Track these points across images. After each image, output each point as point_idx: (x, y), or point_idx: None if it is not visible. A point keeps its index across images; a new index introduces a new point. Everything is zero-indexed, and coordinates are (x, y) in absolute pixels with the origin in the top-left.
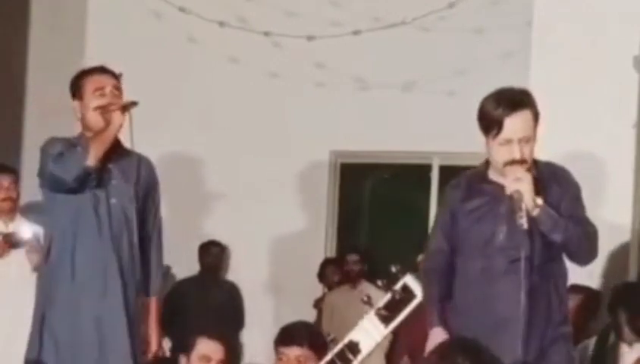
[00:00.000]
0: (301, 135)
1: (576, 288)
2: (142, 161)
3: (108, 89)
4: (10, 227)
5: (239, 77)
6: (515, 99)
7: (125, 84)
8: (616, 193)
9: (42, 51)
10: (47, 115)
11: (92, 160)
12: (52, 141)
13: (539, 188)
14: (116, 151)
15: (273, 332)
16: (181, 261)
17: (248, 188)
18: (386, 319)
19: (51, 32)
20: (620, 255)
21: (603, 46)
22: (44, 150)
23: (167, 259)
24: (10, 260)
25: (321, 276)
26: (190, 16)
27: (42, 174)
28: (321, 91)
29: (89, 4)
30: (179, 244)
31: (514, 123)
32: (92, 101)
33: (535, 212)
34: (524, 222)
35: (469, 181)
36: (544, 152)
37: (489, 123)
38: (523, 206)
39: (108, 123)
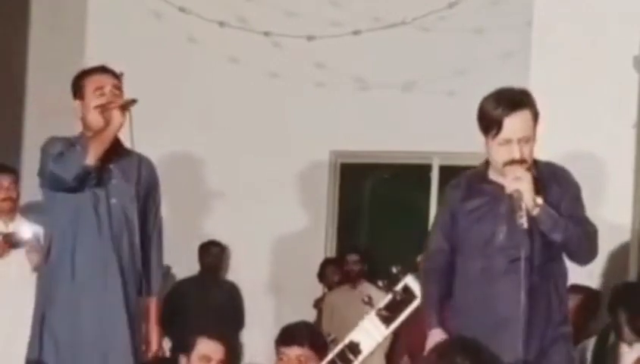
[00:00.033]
0: (301, 135)
1: (576, 288)
2: (142, 161)
3: (108, 89)
4: (11, 227)
5: (239, 77)
6: (514, 99)
7: (125, 84)
8: (616, 193)
9: (42, 51)
10: (47, 115)
11: (91, 159)
12: (52, 140)
13: (539, 188)
14: (116, 151)
15: (273, 332)
16: (181, 261)
17: (248, 188)
18: (387, 320)
19: (51, 32)
20: (620, 255)
21: (603, 46)
22: (44, 149)
23: (167, 259)
24: (10, 260)
25: (321, 276)
26: (190, 16)
27: (42, 173)
28: (321, 91)
29: (89, 4)
30: (179, 244)
31: (513, 123)
32: (93, 100)
33: (535, 212)
34: (524, 221)
35: (468, 181)
36: (544, 152)
37: (488, 123)
38: (523, 205)
39: (107, 122)
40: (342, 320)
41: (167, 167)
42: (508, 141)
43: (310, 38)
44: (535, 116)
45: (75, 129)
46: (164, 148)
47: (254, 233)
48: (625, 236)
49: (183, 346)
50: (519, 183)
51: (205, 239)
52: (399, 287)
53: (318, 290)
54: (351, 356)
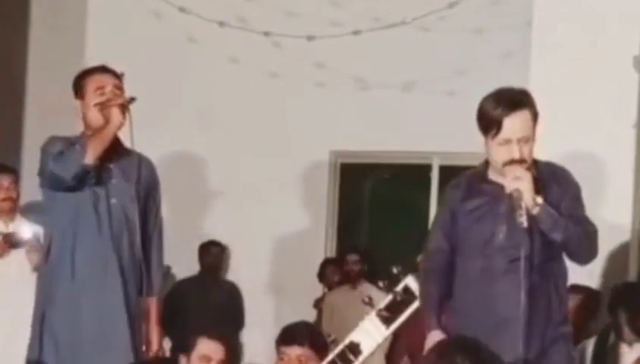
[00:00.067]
0: (301, 135)
1: (576, 288)
2: (142, 161)
3: (108, 88)
4: (11, 227)
5: (239, 77)
6: (514, 99)
7: (125, 84)
8: (616, 193)
9: (42, 51)
10: (47, 115)
11: (90, 158)
12: (53, 140)
13: (539, 187)
14: (117, 150)
15: (273, 332)
16: (181, 261)
17: (248, 188)
18: (387, 320)
19: (51, 32)
20: (620, 255)
21: (603, 46)
22: (44, 149)
23: (167, 259)
24: (10, 260)
25: (321, 276)
26: (190, 16)
27: (42, 172)
28: (321, 91)
29: (89, 4)
30: (179, 244)
31: (513, 123)
32: (93, 99)
33: (535, 211)
34: (524, 220)
35: (468, 181)
36: (544, 152)
37: (488, 123)
38: (523, 205)
39: (107, 120)
40: (342, 320)
41: (167, 167)
42: (507, 141)
43: (310, 38)
44: (535, 116)
45: (75, 129)
46: (164, 148)
47: (254, 233)
48: (625, 236)
49: (183, 346)
50: (518, 183)
51: (205, 239)
52: (399, 287)
53: (318, 290)
54: (351, 357)
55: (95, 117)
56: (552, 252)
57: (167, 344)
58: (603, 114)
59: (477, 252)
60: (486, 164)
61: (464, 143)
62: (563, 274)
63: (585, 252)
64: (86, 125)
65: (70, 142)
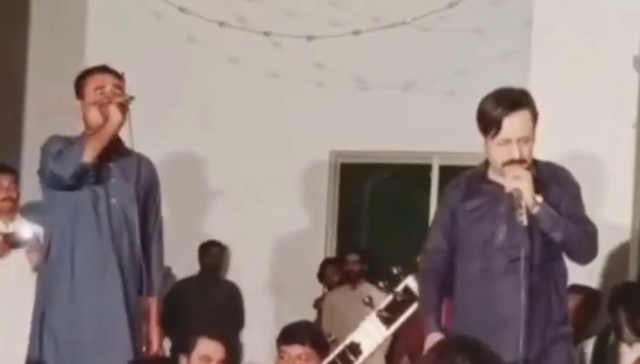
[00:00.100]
0: (301, 135)
1: (576, 288)
2: (142, 161)
3: (108, 88)
4: (11, 227)
5: (239, 77)
6: (514, 99)
7: (125, 84)
8: (616, 193)
9: (42, 51)
10: (47, 115)
11: (88, 157)
12: (53, 139)
13: (539, 187)
14: (117, 150)
15: (273, 332)
16: (181, 261)
17: (248, 188)
18: (387, 321)
19: (51, 32)
20: (620, 255)
21: (603, 46)
22: (44, 148)
23: (167, 259)
24: (10, 260)
25: (321, 276)
26: (190, 16)
27: (41, 171)
28: (321, 91)
29: (89, 4)
30: (179, 244)
31: (513, 123)
32: (92, 98)
33: (535, 210)
34: (524, 219)
35: (468, 181)
36: (544, 152)
37: (488, 123)
38: (523, 204)
39: (106, 119)
40: (342, 320)
41: (167, 167)
42: (507, 141)
43: (310, 38)
44: (535, 116)
45: (76, 128)
46: (164, 148)
47: (254, 233)
48: (625, 236)
49: (183, 346)
50: (518, 182)
51: (205, 239)
52: (399, 288)
53: (318, 290)
54: (352, 357)
55: (95, 116)
56: (552, 252)
57: (167, 344)
58: (603, 114)
59: (477, 252)
60: (486, 164)
61: (464, 143)
62: (563, 274)
63: (585, 251)
64: (86, 124)
65: (71, 142)
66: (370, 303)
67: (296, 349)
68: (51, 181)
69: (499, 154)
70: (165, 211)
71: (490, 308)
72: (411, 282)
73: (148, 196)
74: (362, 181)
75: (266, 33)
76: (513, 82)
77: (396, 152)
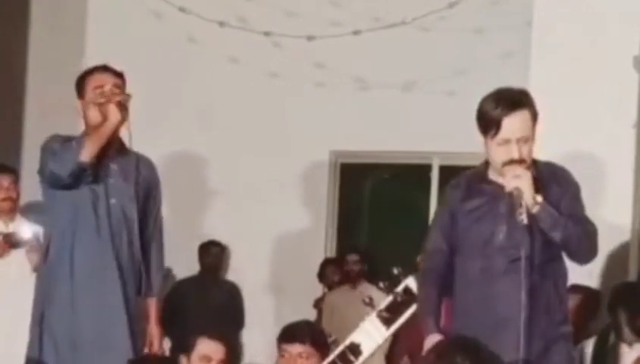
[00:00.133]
0: (301, 135)
1: (576, 288)
2: (141, 161)
3: (107, 87)
4: (11, 227)
5: (239, 77)
6: (513, 99)
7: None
8: (616, 193)
9: (42, 51)
10: (47, 115)
11: (86, 155)
12: (52, 138)
13: (538, 187)
14: (117, 150)
15: (273, 332)
16: (181, 261)
17: (248, 188)
18: (387, 321)
19: (51, 32)
20: (620, 255)
21: (603, 46)
22: (43, 147)
23: (167, 259)
24: (10, 260)
25: (321, 276)
26: (190, 16)
27: (41, 171)
28: (321, 91)
29: (89, 4)
30: (179, 244)
31: (512, 124)
32: (92, 98)
33: (535, 209)
34: (524, 218)
35: (468, 181)
36: (543, 152)
37: (487, 124)
38: (523, 203)
39: (105, 118)
40: (342, 320)
41: (167, 167)
42: (507, 141)
43: (310, 38)
44: (534, 116)
45: (76, 128)
46: (164, 148)
47: (254, 233)
48: (625, 236)
49: (183, 346)
50: (518, 181)
51: (205, 239)
52: (400, 288)
53: (318, 290)
54: (352, 357)
55: (94, 115)
56: (552, 251)
57: (167, 344)
58: (603, 114)
59: (477, 252)
60: (486, 164)
61: (464, 143)
62: (563, 274)
63: (585, 251)
64: (87, 124)
65: (70, 141)
66: (370, 303)
67: (296, 348)
68: (49, 180)
69: (499, 154)
70: (165, 211)
71: (490, 308)
72: (411, 282)
73: (148, 196)
74: (362, 181)
75: (266, 33)
76: (513, 82)
77: (396, 152)
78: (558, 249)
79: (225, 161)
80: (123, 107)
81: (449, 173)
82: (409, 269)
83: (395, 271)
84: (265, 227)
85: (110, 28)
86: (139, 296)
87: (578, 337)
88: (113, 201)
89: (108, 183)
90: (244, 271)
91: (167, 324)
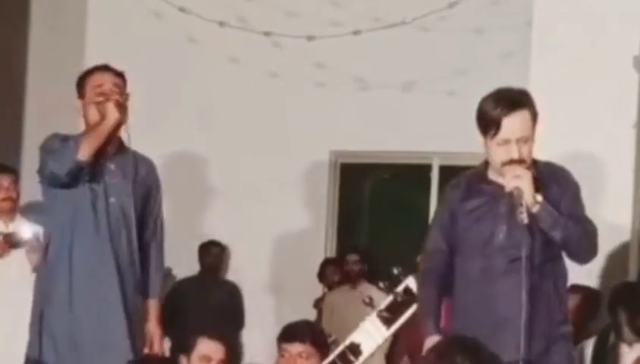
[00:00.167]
0: (301, 135)
1: (576, 288)
2: (140, 160)
3: (106, 86)
4: (11, 227)
5: (239, 77)
6: (513, 99)
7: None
8: (616, 193)
9: (42, 51)
10: (47, 115)
11: (83, 154)
12: (52, 137)
13: (538, 187)
14: (115, 149)
15: (273, 332)
16: (181, 261)
17: (248, 188)
18: (387, 321)
19: (51, 32)
20: (620, 255)
21: (603, 46)
22: (42, 146)
23: (167, 259)
24: (10, 260)
25: (321, 276)
26: (190, 16)
27: (41, 170)
28: (321, 91)
29: (89, 4)
30: (179, 244)
31: (512, 124)
32: (91, 97)
33: (535, 209)
34: (524, 217)
35: (468, 181)
36: (543, 152)
37: (487, 124)
38: (524, 203)
39: (103, 117)
40: (342, 320)
41: (167, 167)
42: (507, 141)
43: (310, 38)
44: (534, 116)
45: (75, 128)
46: (164, 148)
47: (254, 233)
48: (625, 236)
49: (183, 346)
50: (518, 181)
51: (205, 239)
52: (400, 288)
53: (318, 290)
54: (352, 357)
55: (94, 114)
56: (552, 251)
57: (167, 344)
58: (603, 114)
59: (477, 252)
60: (486, 164)
61: (464, 143)
62: (563, 274)
63: (585, 251)
64: (86, 124)
65: (69, 140)
66: (370, 303)
67: (296, 347)
68: (48, 179)
69: (498, 154)
70: (165, 211)
71: (490, 308)
72: (411, 282)
73: (148, 195)
74: (362, 181)
75: (266, 33)
76: (513, 82)
77: (396, 152)
78: (558, 249)
79: (225, 161)
80: (121, 106)
81: (449, 173)
82: (409, 269)
83: (395, 271)
84: (265, 227)
85: (110, 28)
86: (138, 295)
87: (578, 337)
88: (112, 200)
89: (107, 183)
90: (244, 271)
91: (167, 324)
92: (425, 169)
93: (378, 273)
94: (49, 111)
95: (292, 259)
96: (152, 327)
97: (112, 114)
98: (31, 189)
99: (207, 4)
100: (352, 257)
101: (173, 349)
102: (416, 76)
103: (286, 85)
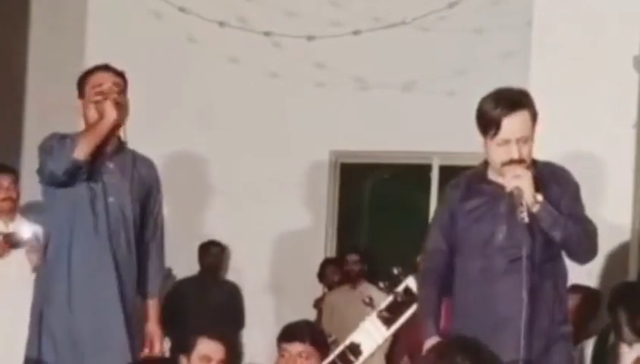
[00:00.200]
0: (301, 135)
1: (576, 288)
2: (139, 160)
3: (106, 86)
4: (11, 227)
5: (239, 77)
6: (513, 99)
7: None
8: (616, 193)
9: (42, 51)
10: (47, 115)
11: (80, 153)
12: (50, 136)
13: (539, 187)
14: (115, 148)
15: (273, 332)
16: (181, 261)
17: (248, 188)
18: (387, 321)
19: (51, 32)
20: (620, 255)
21: (603, 46)
22: (41, 146)
23: (167, 259)
24: (10, 260)
25: (321, 276)
26: (190, 16)
27: (40, 169)
28: (321, 91)
29: (89, 4)
30: (179, 244)
31: (512, 124)
32: (91, 97)
33: (535, 208)
34: (525, 216)
35: (468, 181)
36: (543, 152)
37: (487, 124)
38: (524, 202)
39: (101, 116)
40: (342, 320)
41: (167, 167)
42: (506, 141)
43: (310, 38)
44: (534, 116)
45: (75, 128)
46: (164, 148)
47: (254, 233)
48: (625, 236)
49: (183, 346)
50: (518, 181)
51: (205, 239)
52: (400, 288)
53: (318, 290)
54: (352, 357)
55: (91, 113)
56: (552, 251)
57: (167, 344)
58: (603, 114)
59: (476, 252)
60: (485, 164)
61: (464, 143)
62: (563, 274)
63: (585, 250)
64: (86, 123)
65: (67, 139)
66: (370, 303)
67: (296, 347)
68: (47, 178)
69: (498, 154)
70: (165, 211)
71: (490, 308)
72: (411, 282)
73: (148, 195)
74: (362, 181)
75: (266, 33)
76: (513, 82)
77: (396, 152)
78: (558, 249)
79: (225, 161)
80: (120, 105)
81: (449, 173)
82: (409, 269)
83: (395, 271)
84: (265, 227)
85: (110, 28)
86: (137, 295)
87: (578, 337)
88: (111, 199)
89: (106, 182)
90: (244, 271)
91: (167, 324)
92: (425, 169)
93: (378, 273)
94: (49, 111)
95: (292, 259)
96: (153, 327)
97: (110, 113)
98: (31, 189)
99: (207, 4)
100: (352, 257)
101: (173, 349)
102: (416, 76)
103: (286, 85)
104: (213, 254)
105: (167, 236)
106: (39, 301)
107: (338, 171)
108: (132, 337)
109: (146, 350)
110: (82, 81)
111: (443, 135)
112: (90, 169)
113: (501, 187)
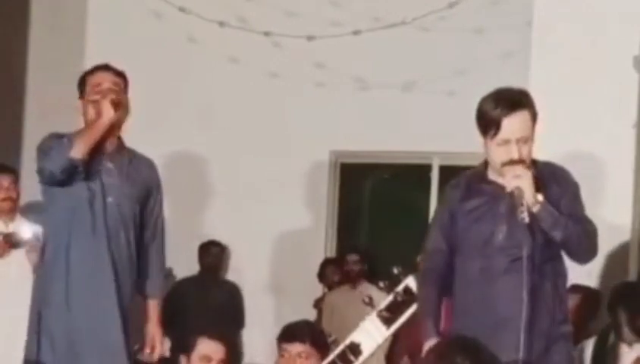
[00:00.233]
0: (301, 135)
1: (576, 288)
2: (139, 160)
3: (105, 85)
4: (11, 227)
5: (239, 77)
6: (513, 99)
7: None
8: (616, 193)
9: (42, 51)
10: (47, 115)
11: (77, 152)
12: (49, 136)
13: (539, 187)
14: (114, 148)
15: (273, 332)
16: (181, 261)
17: (248, 188)
18: (387, 321)
19: (51, 32)
20: (620, 255)
21: (603, 46)
22: (39, 145)
23: (167, 259)
24: (10, 260)
25: (321, 276)
26: (190, 16)
27: (39, 169)
28: (321, 91)
29: (89, 4)
30: (179, 244)
31: (512, 124)
32: (90, 96)
33: (536, 208)
34: (525, 216)
35: (468, 181)
36: (543, 152)
37: (487, 124)
38: (524, 202)
39: (99, 115)
40: (342, 320)
41: (167, 167)
42: (506, 141)
43: (310, 38)
44: (534, 116)
45: (75, 128)
46: (164, 148)
47: (254, 233)
48: (625, 236)
49: (184, 346)
50: (519, 181)
51: (205, 239)
52: (400, 288)
53: (318, 290)
54: (352, 357)
55: (90, 112)
56: (553, 251)
57: (167, 344)
58: (603, 114)
59: (476, 252)
60: (485, 164)
61: (464, 143)
62: (563, 274)
63: (585, 250)
64: (86, 123)
65: (63, 138)
66: (370, 303)
67: (296, 347)
68: (46, 177)
69: (498, 154)
70: (165, 211)
71: (490, 308)
72: (411, 282)
73: (148, 196)
74: (362, 181)
75: (266, 33)
76: (513, 82)
77: (396, 152)
78: (558, 249)
79: (225, 161)
80: (119, 105)
81: (449, 173)
82: (409, 269)
83: (395, 270)
84: (265, 227)
85: (110, 28)
86: (137, 295)
87: (578, 337)
88: (109, 199)
89: (105, 182)
90: (244, 271)
91: (167, 324)
92: (425, 169)
93: (378, 273)
94: (49, 111)
95: (292, 259)
96: (153, 327)
97: (107, 112)
98: (31, 189)
99: (207, 4)
100: (352, 257)
101: (173, 349)
102: (416, 76)
103: (286, 85)
104: (213, 254)
105: (167, 236)
106: (37, 301)
107: (338, 171)
108: (129, 337)
109: (147, 351)
110: (82, 81)
111: (443, 135)
112: (88, 168)
113: (501, 187)
